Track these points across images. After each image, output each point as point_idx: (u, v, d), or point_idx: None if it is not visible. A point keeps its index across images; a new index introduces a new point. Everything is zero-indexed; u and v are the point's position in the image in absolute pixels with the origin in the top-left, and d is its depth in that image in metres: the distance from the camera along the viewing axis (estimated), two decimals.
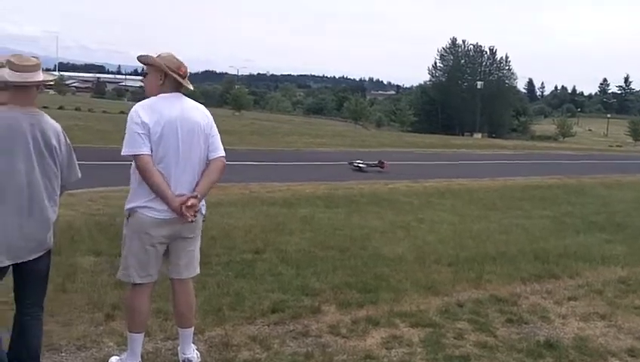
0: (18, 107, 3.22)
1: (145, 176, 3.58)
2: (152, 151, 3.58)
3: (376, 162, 18.92)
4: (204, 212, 3.89)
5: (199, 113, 3.78)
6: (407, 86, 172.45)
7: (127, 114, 3.72)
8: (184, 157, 3.66)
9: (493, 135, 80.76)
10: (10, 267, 3.32)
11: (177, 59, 3.74)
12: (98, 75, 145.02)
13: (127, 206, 3.71)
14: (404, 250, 7.44)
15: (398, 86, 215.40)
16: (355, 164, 18.61)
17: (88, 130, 24.60)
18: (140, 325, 3.85)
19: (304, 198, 11.48)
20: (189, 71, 3.88)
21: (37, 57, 3.34)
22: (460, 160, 26.28)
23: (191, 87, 3.81)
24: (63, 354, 4.04)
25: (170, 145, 3.62)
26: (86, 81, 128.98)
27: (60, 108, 46.90)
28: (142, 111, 3.62)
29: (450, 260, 7.07)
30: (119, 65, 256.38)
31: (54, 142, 3.31)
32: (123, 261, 3.80)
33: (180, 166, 3.66)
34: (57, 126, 3.40)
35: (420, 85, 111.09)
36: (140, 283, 3.79)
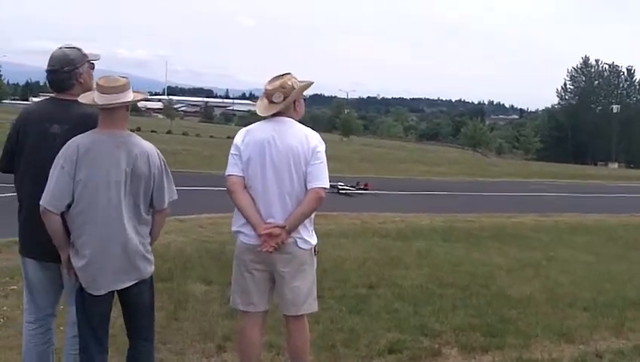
0: (105, 130, 3.38)
1: (230, 197, 3.80)
2: (244, 173, 3.77)
3: (356, 184, 18.39)
4: (302, 246, 3.84)
5: (298, 138, 3.79)
6: (532, 110, 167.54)
7: (232, 139, 3.92)
8: (273, 183, 3.74)
9: (632, 165, 76.71)
10: (114, 297, 3.52)
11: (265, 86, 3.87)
12: (206, 99, 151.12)
13: (231, 228, 3.93)
14: (532, 291, 7.18)
15: (521, 110, 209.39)
16: (340, 187, 17.35)
17: (197, 156, 25.72)
18: (250, 357, 3.94)
19: (419, 230, 11.40)
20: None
21: (125, 77, 3.47)
22: (593, 192, 25.19)
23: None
24: None
25: (258, 168, 3.75)
26: (194, 105, 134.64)
27: (168, 132, 49.28)
28: (239, 134, 3.88)
29: (586, 304, 6.75)
30: (227, 90, 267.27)
31: (142, 164, 3.41)
32: (231, 286, 4.00)
33: (269, 191, 3.75)
34: (149, 147, 3.49)
35: (547, 109, 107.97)
36: (246, 312, 3.92)
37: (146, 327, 3.63)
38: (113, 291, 3.43)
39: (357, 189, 18.05)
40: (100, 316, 3.43)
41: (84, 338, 3.43)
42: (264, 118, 3.92)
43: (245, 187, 3.77)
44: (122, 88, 3.36)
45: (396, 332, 5.46)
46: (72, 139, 3.32)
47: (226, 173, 3.81)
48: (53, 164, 3.28)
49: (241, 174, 3.76)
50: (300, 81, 3.90)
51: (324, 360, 4.70)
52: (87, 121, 3.43)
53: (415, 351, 5.04)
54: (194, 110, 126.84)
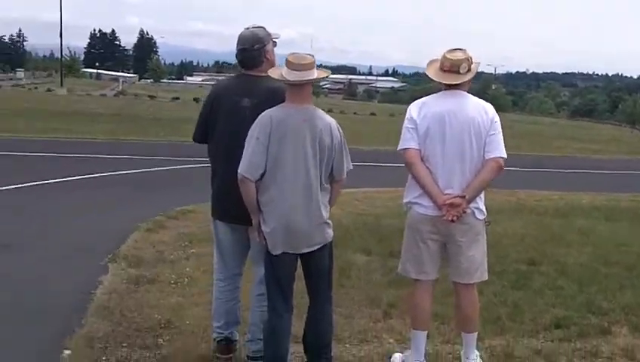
0: (293, 104, 3.61)
1: (410, 170, 3.89)
2: (420, 145, 3.84)
3: None
4: (478, 216, 3.94)
5: (477, 110, 3.88)
6: None
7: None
8: (452, 154, 3.82)
9: None
10: (298, 260, 3.76)
11: (445, 56, 3.91)
12: (350, 77, 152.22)
13: (403, 200, 4.04)
14: None
15: None
16: None
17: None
18: (422, 322, 4.09)
19: (579, 209, 11.05)
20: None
21: (312, 55, 3.67)
22: None
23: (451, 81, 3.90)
24: (347, 345, 4.48)
25: (437, 140, 3.82)
26: (338, 82, 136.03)
27: None
28: (413, 107, 3.95)
29: None
30: (370, 66, 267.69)
31: (326, 136, 3.62)
32: (402, 255, 4.13)
33: (448, 163, 3.82)
34: (331, 121, 3.72)
35: None
36: (418, 280, 4.05)
37: (326, 289, 3.87)
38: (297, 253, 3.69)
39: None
40: (287, 277, 3.71)
41: (272, 297, 3.71)
42: (432, 92, 4.02)
43: (422, 159, 3.86)
44: (310, 66, 3.59)
45: (561, 308, 5.43)
46: (265, 112, 3.58)
47: (403, 147, 3.90)
48: (248, 135, 3.56)
49: (417, 147, 3.85)
50: None
51: (489, 332, 4.77)
52: (275, 95, 3.70)
53: (582, 327, 5.00)
54: (337, 87, 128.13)
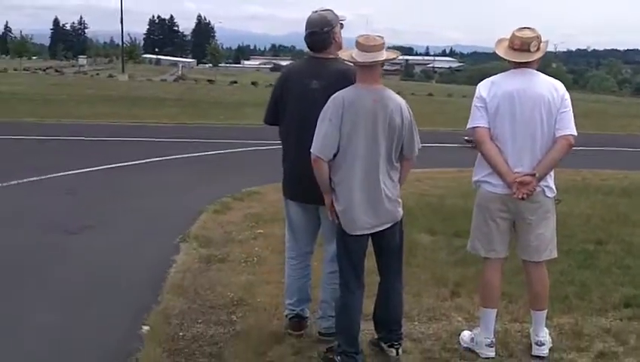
0: (364, 84, 3.66)
1: (479, 149, 3.91)
2: (489, 124, 3.85)
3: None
4: (548, 194, 3.95)
5: (547, 87, 3.86)
6: None
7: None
8: (522, 132, 3.81)
9: None
10: (369, 239, 3.83)
11: (514, 35, 3.89)
12: (406, 57, 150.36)
13: (473, 178, 4.07)
14: None
15: None
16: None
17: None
18: (491, 300, 4.13)
19: None
20: None
21: (381, 37, 3.70)
22: None
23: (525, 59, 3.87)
24: (415, 323, 4.55)
25: (506, 119, 3.82)
26: (394, 63, 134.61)
27: None
28: (482, 86, 3.95)
29: None
30: (427, 47, 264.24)
31: (396, 116, 3.66)
32: (471, 233, 4.17)
33: (518, 141, 3.82)
34: (401, 101, 3.76)
35: None
36: (487, 258, 4.08)
37: (397, 266, 3.95)
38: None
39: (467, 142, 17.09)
40: (359, 254, 3.79)
41: (344, 274, 3.80)
42: (502, 73, 4.01)
43: (491, 138, 3.87)
44: (380, 47, 3.64)
45: (630, 287, 5.38)
46: (336, 94, 3.65)
47: (472, 125, 3.93)
48: (321, 117, 3.64)
49: (487, 126, 3.87)
50: None
51: (557, 310, 4.76)
52: (344, 77, 3.76)
53: None
54: (394, 68, 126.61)
